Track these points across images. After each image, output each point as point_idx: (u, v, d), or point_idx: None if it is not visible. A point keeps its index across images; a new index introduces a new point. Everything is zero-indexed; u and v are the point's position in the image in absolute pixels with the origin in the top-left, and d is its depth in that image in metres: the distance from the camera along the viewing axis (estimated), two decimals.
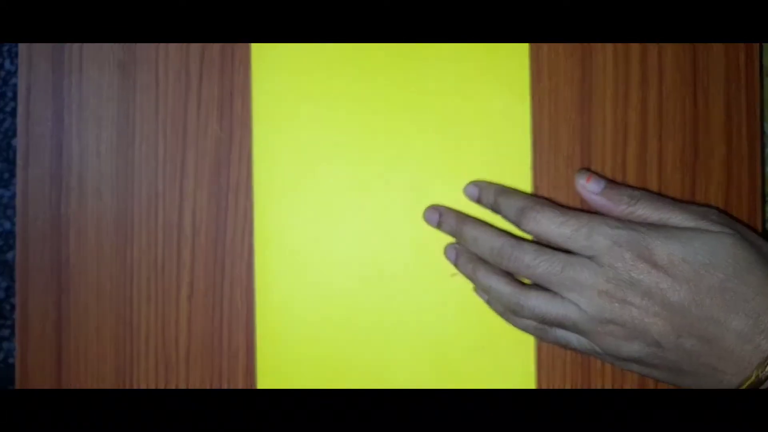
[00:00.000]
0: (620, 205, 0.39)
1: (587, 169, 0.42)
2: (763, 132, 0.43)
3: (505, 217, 0.40)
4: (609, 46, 0.43)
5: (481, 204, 0.42)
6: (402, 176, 0.43)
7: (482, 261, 0.41)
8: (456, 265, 0.42)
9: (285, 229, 0.43)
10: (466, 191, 0.43)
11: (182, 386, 0.43)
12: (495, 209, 0.41)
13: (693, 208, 0.38)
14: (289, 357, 0.43)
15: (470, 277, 0.42)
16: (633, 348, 0.36)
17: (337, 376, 0.43)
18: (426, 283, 0.43)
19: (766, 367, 0.34)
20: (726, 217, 0.38)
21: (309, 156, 0.43)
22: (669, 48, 0.43)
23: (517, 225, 0.39)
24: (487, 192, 0.42)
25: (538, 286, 0.39)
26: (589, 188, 0.40)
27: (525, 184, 0.43)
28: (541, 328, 0.39)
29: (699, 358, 0.35)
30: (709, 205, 0.41)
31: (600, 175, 0.41)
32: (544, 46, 0.43)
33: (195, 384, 0.43)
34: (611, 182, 0.40)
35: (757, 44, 0.43)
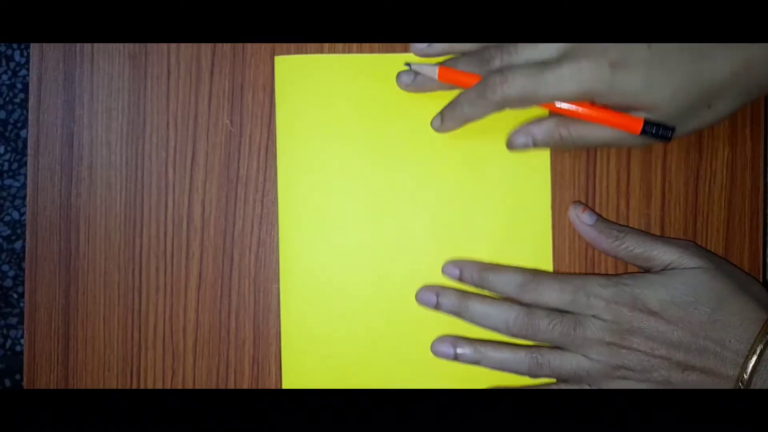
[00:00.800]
0: (609, 238, 0.41)
1: (582, 203, 0.43)
2: (767, 135, 0.44)
3: (500, 291, 0.41)
4: None
5: (463, 282, 0.42)
6: (419, 178, 0.43)
7: (478, 341, 0.42)
8: (457, 357, 0.42)
9: (308, 233, 0.43)
10: (445, 270, 0.43)
11: (189, 375, 0.44)
12: (483, 285, 0.42)
13: (673, 241, 0.41)
14: (311, 355, 0.43)
15: (477, 361, 0.41)
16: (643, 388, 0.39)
17: (358, 377, 0.43)
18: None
19: (745, 378, 0.37)
20: (703, 249, 0.41)
21: (330, 164, 0.43)
22: None
23: (518, 298, 0.41)
24: (469, 270, 0.42)
25: (544, 346, 0.41)
26: (582, 219, 0.42)
27: (544, 207, 0.43)
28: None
29: (705, 387, 0.38)
30: (687, 239, 0.43)
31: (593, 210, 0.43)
32: None
33: (202, 373, 0.44)
34: (602, 217, 0.43)
35: None
